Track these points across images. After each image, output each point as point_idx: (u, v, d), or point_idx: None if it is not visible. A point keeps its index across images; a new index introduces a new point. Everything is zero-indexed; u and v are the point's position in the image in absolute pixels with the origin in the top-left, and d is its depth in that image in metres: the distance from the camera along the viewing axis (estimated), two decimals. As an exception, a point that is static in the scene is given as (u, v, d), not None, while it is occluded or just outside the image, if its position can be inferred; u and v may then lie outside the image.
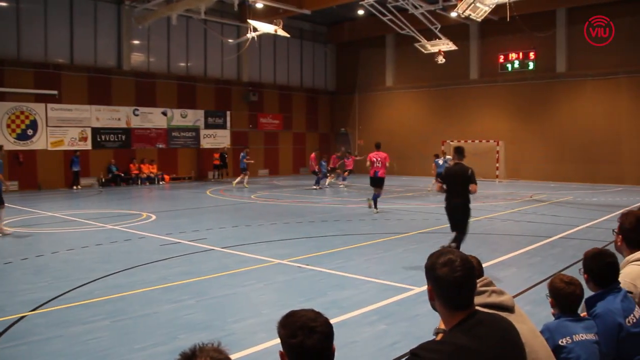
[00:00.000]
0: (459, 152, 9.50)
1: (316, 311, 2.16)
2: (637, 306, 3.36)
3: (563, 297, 3.37)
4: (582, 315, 3.48)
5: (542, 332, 3.19)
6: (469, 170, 9.09)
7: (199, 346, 1.81)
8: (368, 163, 16.73)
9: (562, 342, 3.19)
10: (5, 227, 12.70)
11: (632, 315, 3.30)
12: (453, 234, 9.52)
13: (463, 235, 9.41)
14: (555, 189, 23.88)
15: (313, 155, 25.80)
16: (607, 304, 3.33)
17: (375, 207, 16.15)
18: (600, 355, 3.20)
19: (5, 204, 12.85)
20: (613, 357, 3.28)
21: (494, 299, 2.76)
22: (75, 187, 24.68)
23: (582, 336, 3.18)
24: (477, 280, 2.82)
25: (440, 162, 21.57)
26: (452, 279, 2.27)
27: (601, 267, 3.45)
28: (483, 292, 2.78)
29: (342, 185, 26.31)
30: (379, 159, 16.49)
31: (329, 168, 27.23)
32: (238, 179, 26.21)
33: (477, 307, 2.63)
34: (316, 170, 25.23)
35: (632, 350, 3.26)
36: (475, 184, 9.07)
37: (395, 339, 5.79)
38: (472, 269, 2.35)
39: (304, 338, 2.06)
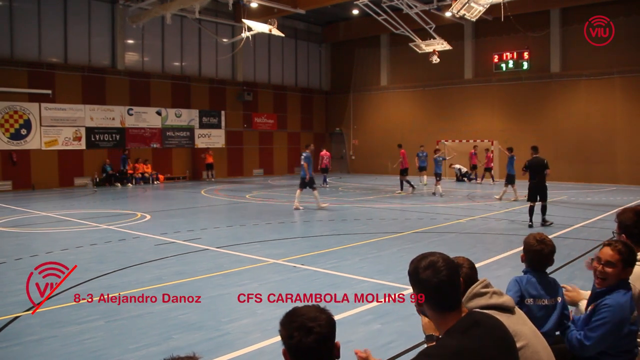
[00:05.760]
0: (535, 149, 13.99)
1: (320, 308, 2.14)
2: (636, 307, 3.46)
3: (532, 253, 3.76)
4: (580, 304, 3.87)
5: (511, 283, 3.72)
6: (545, 160, 13.56)
7: (173, 357, 1.83)
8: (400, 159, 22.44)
9: (527, 301, 3.64)
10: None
11: (635, 313, 3.41)
12: (529, 205, 13.73)
13: (546, 202, 13.67)
14: (550, 188, 23.83)
15: (326, 152, 26.08)
16: (618, 297, 3.38)
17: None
18: (596, 342, 3.35)
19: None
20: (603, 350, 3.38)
21: (496, 300, 2.76)
22: (119, 184, 26.14)
23: (544, 301, 3.60)
24: (476, 283, 2.85)
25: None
26: (437, 281, 2.27)
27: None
28: (484, 294, 2.78)
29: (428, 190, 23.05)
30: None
31: (320, 168, 27.05)
32: (439, 187, 21.11)
33: (478, 309, 2.64)
34: (328, 167, 25.67)
35: (622, 346, 3.37)
36: (549, 169, 13.54)
37: (390, 338, 5.79)
38: (455, 267, 2.35)
39: (301, 338, 2.03)
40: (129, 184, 26.46)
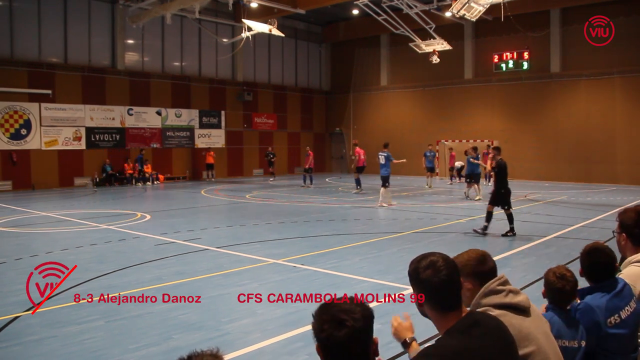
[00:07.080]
0: (498, 150, 12.65)
1: (357, 302, 1.98)
2: (628, 306, 3.33)
3: (552, 290, 3.42)
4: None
5: None
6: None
7: (196, 352, 1.74)
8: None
9: None
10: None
11: (616, 315, 3.28)
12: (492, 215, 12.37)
13: (511, 209, 12.33)
14: (550, 188, 23.95)
15: (311, 152, 26.34)
16: (592, 300, 3.34)
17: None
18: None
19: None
20: (593, 351, 3.32)
21: (511, 299, 2.65)
22: (139, 184, 26.90)
23: (564, 342, 3.15)
24: (494, 279, 2.74)
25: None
26: (437, 281, 2.28)
27: (590, 265, 3.48)
28: (500, 292, 2.67)
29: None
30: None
31: (305, 167, 26.90)
32: (472, 190, 20.06)
33: (491, 308, 2.60)
34: (311, 167, 25.77)
35: (611, 348, 3.29)
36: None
37: (390, 338, 5.73)
38: (455, 267, 2.35)
39: (332, 332, 1.88)
40: (129, 184, 26.50)
